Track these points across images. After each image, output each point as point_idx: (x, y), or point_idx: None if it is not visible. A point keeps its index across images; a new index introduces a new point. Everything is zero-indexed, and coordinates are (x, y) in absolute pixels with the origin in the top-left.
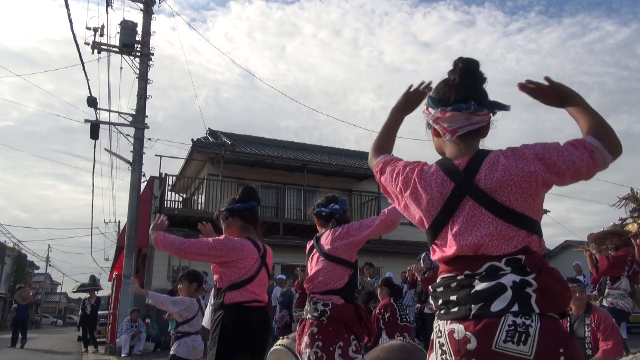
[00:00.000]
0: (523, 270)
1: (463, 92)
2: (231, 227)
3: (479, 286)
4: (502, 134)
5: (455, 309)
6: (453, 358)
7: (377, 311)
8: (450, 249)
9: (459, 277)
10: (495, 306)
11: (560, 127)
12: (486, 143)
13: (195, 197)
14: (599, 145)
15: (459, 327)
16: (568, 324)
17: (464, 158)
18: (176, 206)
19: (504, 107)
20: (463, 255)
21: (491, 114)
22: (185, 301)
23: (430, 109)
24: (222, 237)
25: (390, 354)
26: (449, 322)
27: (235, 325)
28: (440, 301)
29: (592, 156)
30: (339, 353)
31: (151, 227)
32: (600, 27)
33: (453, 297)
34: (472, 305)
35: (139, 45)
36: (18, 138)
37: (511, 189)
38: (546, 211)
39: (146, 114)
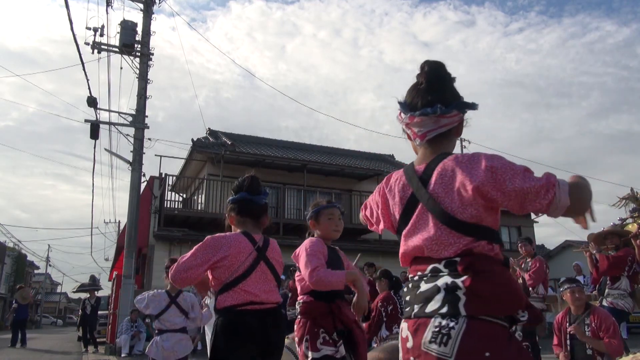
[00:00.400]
0: (456, 272)
1: (429, 95)
2: (229, 221)
3: (423, 287)
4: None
5: (407, 309)
6: (401, 354)
7: (379, 304)
8: (400, 250)
9: (414, 278)
10: (430, 307)
11: (560, 127)
12: (485, 143)
13: (195, 197)
14: (564, 187)
15: (404, 326)
16: (567, 323)
17: (424, 163)
18: (176, 206)
19: (472, 106)
20: (418, 257)
21: (461, 114)
22: (144, 296)
23: (402, 114)
24: (206, 239)
25: (391, 354)
26: (403, 320)
27: (227, 332)
28: (403, 301)
29: (547, 191)
30: (306, 346)
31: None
32: (600, 27)
33: (407, 297)
34: (415, 306)
35: (139, 45)
36: (18, 138)
37: (453, 196)
38: None
39: (146, 114)
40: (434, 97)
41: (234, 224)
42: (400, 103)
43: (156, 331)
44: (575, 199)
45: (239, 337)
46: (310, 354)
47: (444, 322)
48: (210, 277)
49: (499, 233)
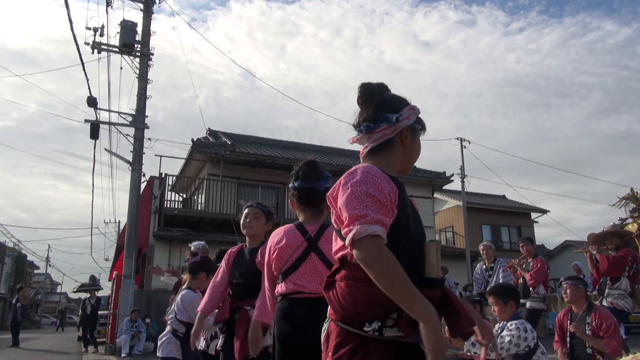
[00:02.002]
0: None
1: (360, 116)
2: (292, 207)
3: None
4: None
5: None
6: None
7: None
8: None
9: None
10: None
11: (560, 127)
12: (486, 143)
13: (195, 197)
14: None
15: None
16: (568, 321)
17: None
18: (176, 206)
19: (396, 119)
20: None
21: (393, 126)
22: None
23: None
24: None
25: None
26: None
27: (281, 318)
28: None
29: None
30: None
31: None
32: (601, 26)
33: None
34: None
35: (139, 45)
36: (18, 138)
37: None
38: (546, 211)
39: (146, 114)
40: (363, 116)
41: (295, 210)
42: (352, 125)
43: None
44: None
45: (291, 323)
46: None
47: (325, 321)
48: None
49: None
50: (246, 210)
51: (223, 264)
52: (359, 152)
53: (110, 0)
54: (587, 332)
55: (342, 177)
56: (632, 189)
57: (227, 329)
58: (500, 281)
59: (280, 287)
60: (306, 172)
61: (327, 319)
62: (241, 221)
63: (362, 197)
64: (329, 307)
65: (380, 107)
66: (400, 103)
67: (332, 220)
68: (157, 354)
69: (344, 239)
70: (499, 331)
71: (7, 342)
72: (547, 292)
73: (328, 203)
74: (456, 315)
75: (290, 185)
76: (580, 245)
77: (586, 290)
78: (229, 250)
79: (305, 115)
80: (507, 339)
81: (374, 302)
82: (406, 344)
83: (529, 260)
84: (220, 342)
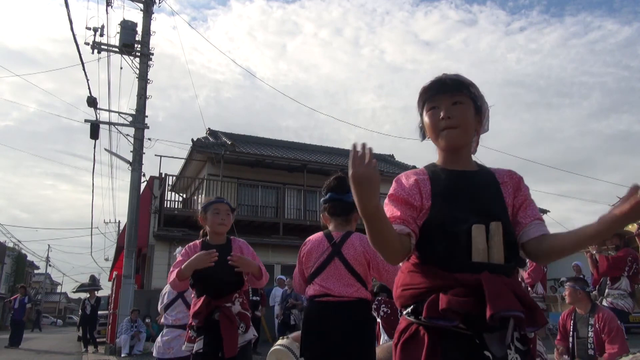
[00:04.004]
0: None
1: None
2: (325, 221)
3: None
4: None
5: None
6: None
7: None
8: None
9: None
10: None
11: (560, 127)
12: (486, 143)
13: (195, 197)
14: None
15: None
16: (572, 322)
17: None
18: (176, 206)
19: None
20: None
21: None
22: (165, 291)
23: None
24: None
25: (390, 355)
26: None
27: (308, 320)
28: None
29: None
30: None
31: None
32: (602, 25)
33: None
34: None
35: (139, 45)
36: (18, 138)
37: None
38: (546, 211)
39: (146, 114)
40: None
41: (327, 222)
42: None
43: (163, 327)
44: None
45: (318, 324)
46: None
47: None
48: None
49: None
50: (217, 206)
51: (184, 258)
52: None
53: (110, 0)
54: (590, 334)
55: None
56: None
57: (206, 330)
58: None
59: (309, 289)
60: (336, 185)
61: None
62: (210, 217)
63: (385, 201)
64: None
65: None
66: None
67: None
68: (171, 355)
69: None
70: None
71: (6, 342)
72: (546, 291)
73: None
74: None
75: (322, 199)
76: None
77: (587, 292)
78: (189, 245)
79: (305, 115)
80: None
81: (406, 287)
82: (459, 333)
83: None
84: (198, 345)
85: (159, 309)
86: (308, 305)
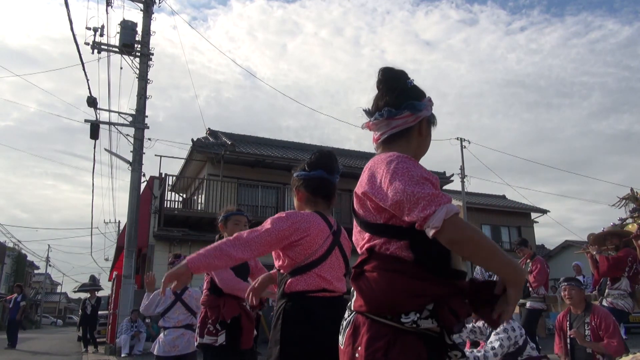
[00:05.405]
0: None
1: (380, 101)
2: (297, 198)
3: None
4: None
5: None
6: None
7: None
8: None
9: None
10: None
11: (561, 127)
12: (486, 143)
13: (195, 197)
14: (445, 211)
15: None
16: (568, 322)
17: None
18: (176, 206)
19: (421, 106)
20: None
21: (415, 114)
22: (150, 301)
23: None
24: (281, 213)
25: None
26: None
27: (298, 320)
28: None
29: (427, 205)
30: (196, 332)
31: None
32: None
33: None
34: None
35: (139, 45)
36: (19, 138)
37: (357, 195)
38: (546, 211)
39: (146, 114)
40: (385, 101)
41: (302, 201)
42: (364, 110)
43: (162, 329)
44: (462, 235)
45: (312, 325)
46: (197, 338)
47: (346, 316)
48: (279, 259)
49: (407, 230)
50: (238, 217)
51: None
52: (360, 152)
53: (110, 0)
54: (587, 332)
55: (376, 166)
56: (632, 189)
57: (229, 325)
58: None
59: (299, 282)
60: (327, 162)
61: (350, 312)
62: (230, 227)
63: (422, 181)
64: (355, 298)
65: (403, 93)
66: (421, 92)
67: (361, 212)
68: (177, 352)
69: (375, 232)
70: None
71: (5, 343)
72: (547, 292)
73: (360, 195)
74: (490, 305)
75: (302, 173)
76: (580, 245)
77: (583, 291)
78: None
79: (305, 115)
80: (497, 343)
81: (412, 292)
82: (431, 335)
83: (528, 261)
84: (222, 337)
85: (141, 309)
86: (298, 302)
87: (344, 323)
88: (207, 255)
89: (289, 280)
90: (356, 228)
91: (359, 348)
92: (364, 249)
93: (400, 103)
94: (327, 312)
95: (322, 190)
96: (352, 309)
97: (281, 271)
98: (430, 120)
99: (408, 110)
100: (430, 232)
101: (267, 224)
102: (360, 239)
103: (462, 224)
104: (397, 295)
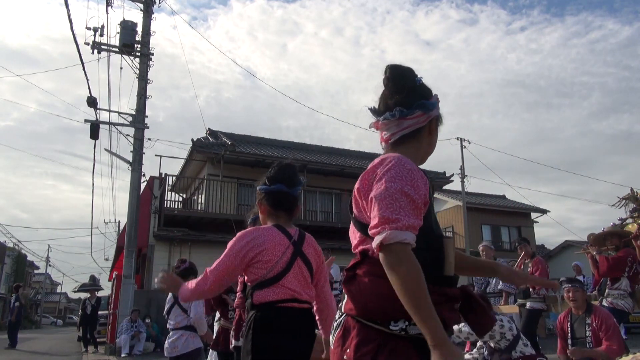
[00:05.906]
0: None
1: (390, 100)
2: (260, 211)
3: None
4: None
5: None
6: None
7: None
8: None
9: None
10: None
11: (561, 127)
12: (486, 143)
13: (195, 197)
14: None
15: None
16: (569, 323)
17: None
18: (176, 206)
19: (432, 105)
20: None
21: (427, 113)
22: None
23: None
24: (238, 234)
25: None
26: None
27: (269, 330)
28: None
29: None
30: (232, 334)
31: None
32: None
33: None
34: None
35: (139, 45)
36: (19, 138)
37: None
38: (546, 211)
39: (146, 114)
40: (395, 100)
41: (264, 214)
42: (370, 109)
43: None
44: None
45: (282, 335)
46: (232, 341)
47: (337, 316)
48: (244, 274)
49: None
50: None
51: None
52: (360, 152)
53: (110, 0)
54: (588, 333)
55: (374, 167)
56: (632, 189)
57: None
58: (500, 282)
59: (267, 294)
60: (288, 176)
61: (341, 314)
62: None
63: (397, 195)
64: (346, 301)
65: (413, 92)
66: (429, 91)
67: (355, 211)
68: (177, 353)
69: (366, 234)
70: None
71: (6, 343)
72: (547, 292)
73: (355, 193)
74: (482, 313)
75: (263, 187)
76: (580, 245)
77: (585, 292)
78: None
79: (305, 115)
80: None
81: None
82: (422, 339)
83: (527, 261)
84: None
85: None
86: (268, 312)
87: (334, 325)
88: (187, 291)
89: (255, 293)
90: (351, 226)
91: (348, 351)
92: (357, 250)
93: (411, 102)
94: (296, 321)
95: (282, 205)
96: (343, 311)
97: (248, 284)
98: (439, 119)
99: (420, 109)
100: (375, 248)
101: (226, 250)
102: (354, 238)
103: (399, 257)
104: (387, 302)
